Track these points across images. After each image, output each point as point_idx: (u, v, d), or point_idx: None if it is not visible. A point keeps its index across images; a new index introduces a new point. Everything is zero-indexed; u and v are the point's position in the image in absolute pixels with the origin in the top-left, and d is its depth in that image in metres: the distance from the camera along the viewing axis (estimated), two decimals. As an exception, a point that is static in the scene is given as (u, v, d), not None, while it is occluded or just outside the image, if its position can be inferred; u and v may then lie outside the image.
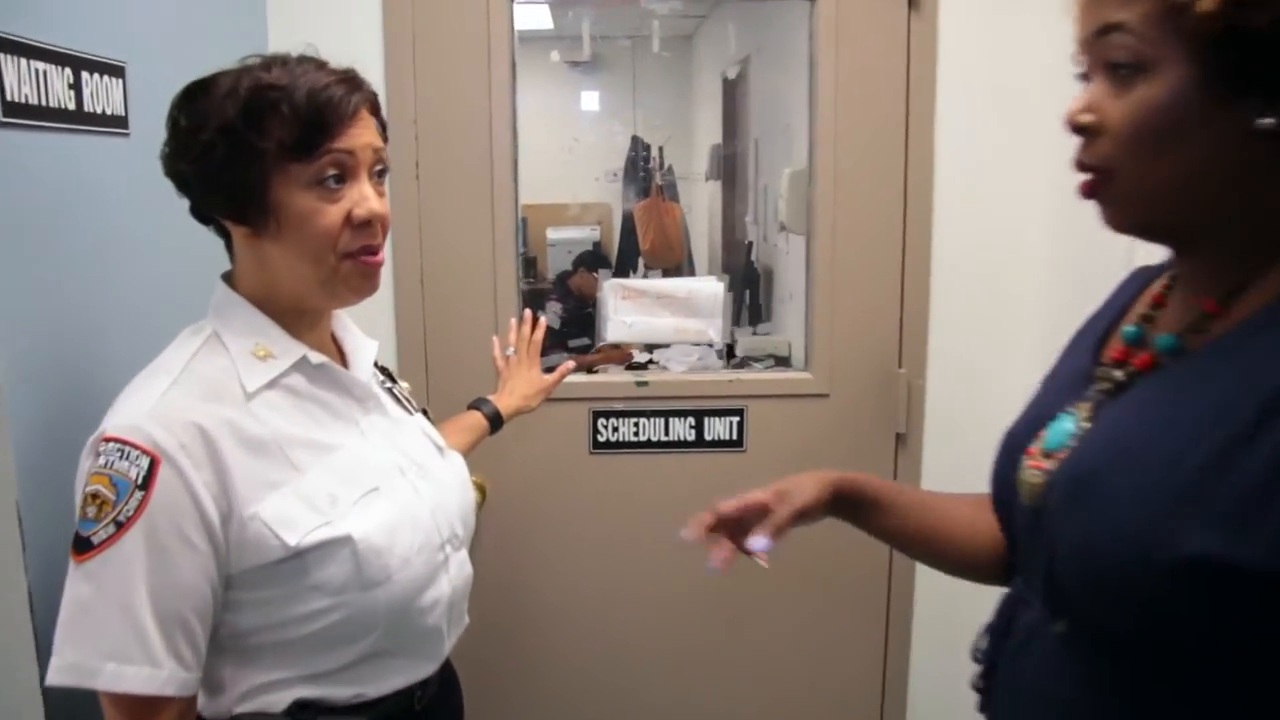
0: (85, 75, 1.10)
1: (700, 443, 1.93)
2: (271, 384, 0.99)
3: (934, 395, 1.94)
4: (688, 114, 2.24)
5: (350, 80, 0.99)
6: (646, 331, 1.93)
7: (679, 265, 2.44)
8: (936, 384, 1.94)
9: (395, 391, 1.22)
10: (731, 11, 1.99)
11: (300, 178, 0.95)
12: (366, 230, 0.99)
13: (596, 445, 1.93)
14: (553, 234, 2.05)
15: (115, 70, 1.17)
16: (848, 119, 1.85)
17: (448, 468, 1.18)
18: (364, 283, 1.02)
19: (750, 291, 2.92)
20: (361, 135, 0.99)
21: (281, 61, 0.98)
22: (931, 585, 1.97)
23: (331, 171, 0.96)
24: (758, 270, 2.75)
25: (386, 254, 1.06)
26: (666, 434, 1.93)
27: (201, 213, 1.03)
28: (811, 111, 1.87)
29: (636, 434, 1.92)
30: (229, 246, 1.05)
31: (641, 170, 2.01)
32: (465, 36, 1.81)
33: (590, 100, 1.95)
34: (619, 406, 1.92)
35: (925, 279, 1.91)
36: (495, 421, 1.53)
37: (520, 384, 1.58)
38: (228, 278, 1.06)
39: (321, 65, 1.00)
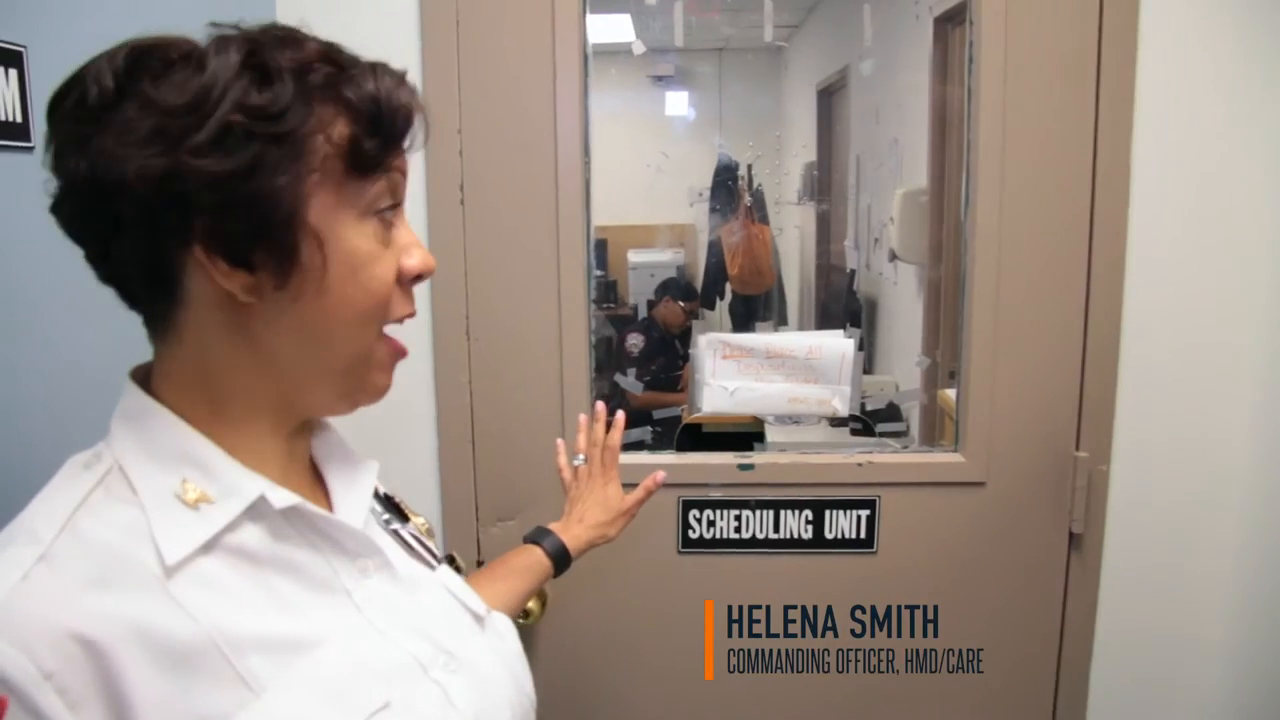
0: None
1: (819, 542, 1.51)
2: (209, 547, 0.62)
3: (1119, 485, 1.50)
4: (778, 130, 1.94)
5: (411, 86, 0.69)
6: (753, 400, 1.51)
7: (769, 291, 2.12)
8: (1123, 471, 1.50)
9: (405, 534, 0.82)
10: (827, 20, 1.69)
11: (358, 203, 0.65)
12: (411, 291, 0.71)
13: (687, 543, 1.52)
14: (634, 257, 1.75)
15: (8, 56, 0.80)
16: (1019, 124, 1.43)
17: (493, 648, 0.79)
18: (388, 378, 0.72)
19: (852, 326, 2.61)
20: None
21: (299, 36, 0.65)
22: None
23: (389, 200, 0.67)
24: (860, 303, 2.44)
25: (423, 302, 0.74)
26: (776, 530, 1.51)
27: (146, 258, 0.61)
28: (970, 115, 1.45)
29: (738, 530, 1.51)
30: (153, 319, 0.66)
31: (729, 190, 1.69)
32: (525, 29, 1.43)
33: (675, 116, 1.67)
34: (716, 495, 1.50)
35: (1114, 336, 1.47)
36: (561, 560, 1.14)
37: (593, 508, 1.19)
38: (142, 374, 0.68)
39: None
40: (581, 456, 1.22)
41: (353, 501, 0.74)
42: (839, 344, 1.50)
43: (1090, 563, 1.52)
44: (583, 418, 1.24)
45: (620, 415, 1.24)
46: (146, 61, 0.60)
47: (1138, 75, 1.41)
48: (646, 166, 1.61)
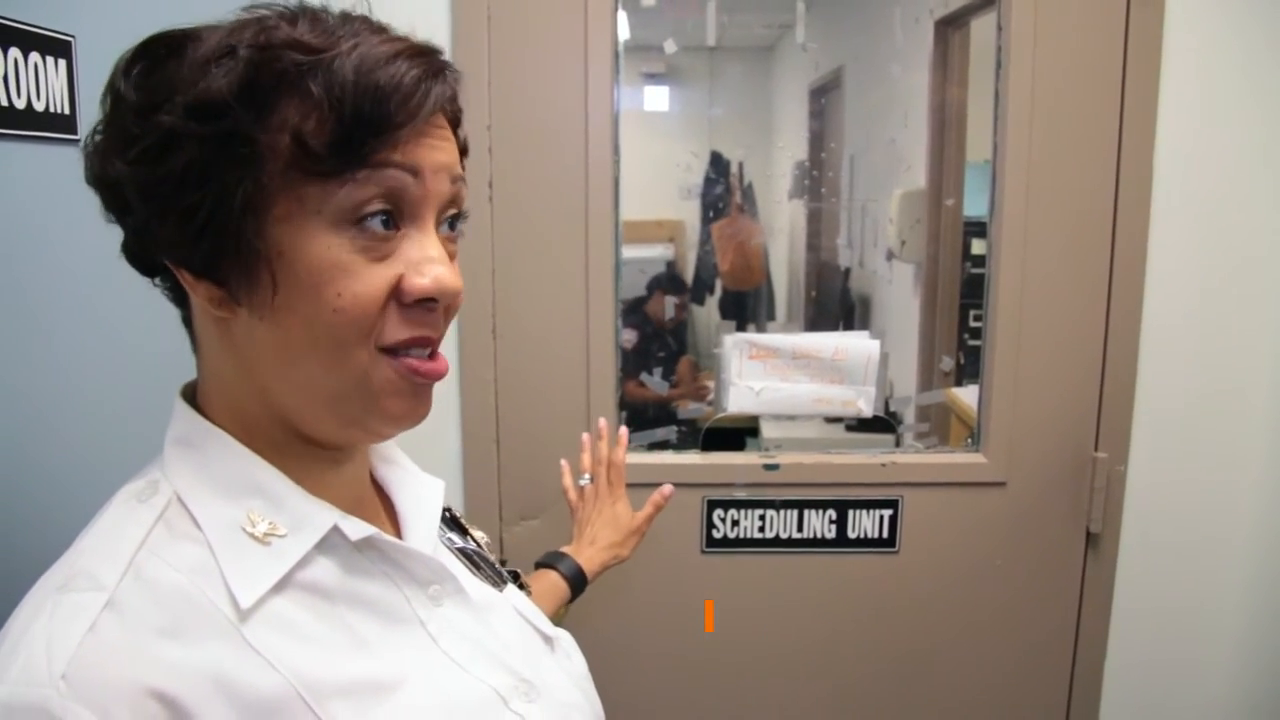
0: None
1: (842, 541, 1.52)
2: (280, 585, 0.57)
3: (1136, 486, 1.52)
4: (769, 128, 1.94)
5: (429, 58, 0.57)
6: (779, 401, 1.51)
7: (758, 288, 2.13)
8: (1140, 471, 1.52)
9: (470, 552, 0.77)
10: (820, 20, 1.71)
11: (325, 209, 0.55)
12: (425, 316, 0.59)
13: (711, 543, 1.52)
14: (624, 252, 1.74)
15: (56, 46, 0.77)
16: (1044, 128, 1.43)
17: (564, 670, 0.75)
18: (407, 404, 0.60)
19: (845, 324, 2.61)
20: (436, 150, 0.58)
21: (313, 16, 0.57)
22: None
23: (378, 206, 0.56)
24: (854, 300, 2.45)
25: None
26: (800, 529, 1.52)
27: (140, 253, 0.60)
28: (997, 122, 1.46)
29: (762, 529, 1.51)
30: (188, 324, 0.63)
31: (720, 187, 1.69)
32: (557, 24, 1.41)
33: (665, 113, 1.66)
34: (740, 495, 1.50)
35: (1134, 338, 1.49)
36: (578, 583, 1.10)
37: (603, 528, 1.15)
38: (190, 392, 0.63)
39: (381, 30, 0.58)
40: (587, 476, 1.19)
41: (422, 525, 0.70)
42: (865, 345, 1.50)
43: (1106, 560, 1.54)
44: (586, 436, 1.21)
45: (624, 432, 1.20)
46: (149, 52, 0.56)
47: (1161, 79, 1.42)
48: (676, 165, 1.60)
